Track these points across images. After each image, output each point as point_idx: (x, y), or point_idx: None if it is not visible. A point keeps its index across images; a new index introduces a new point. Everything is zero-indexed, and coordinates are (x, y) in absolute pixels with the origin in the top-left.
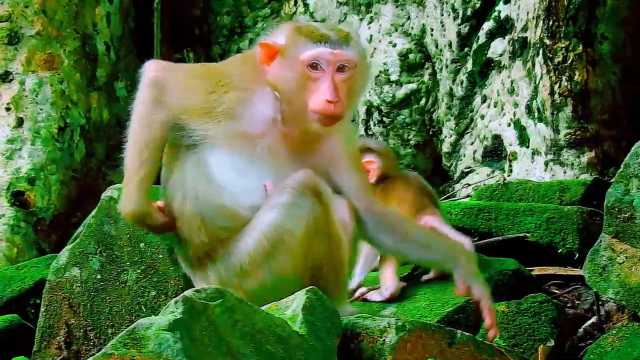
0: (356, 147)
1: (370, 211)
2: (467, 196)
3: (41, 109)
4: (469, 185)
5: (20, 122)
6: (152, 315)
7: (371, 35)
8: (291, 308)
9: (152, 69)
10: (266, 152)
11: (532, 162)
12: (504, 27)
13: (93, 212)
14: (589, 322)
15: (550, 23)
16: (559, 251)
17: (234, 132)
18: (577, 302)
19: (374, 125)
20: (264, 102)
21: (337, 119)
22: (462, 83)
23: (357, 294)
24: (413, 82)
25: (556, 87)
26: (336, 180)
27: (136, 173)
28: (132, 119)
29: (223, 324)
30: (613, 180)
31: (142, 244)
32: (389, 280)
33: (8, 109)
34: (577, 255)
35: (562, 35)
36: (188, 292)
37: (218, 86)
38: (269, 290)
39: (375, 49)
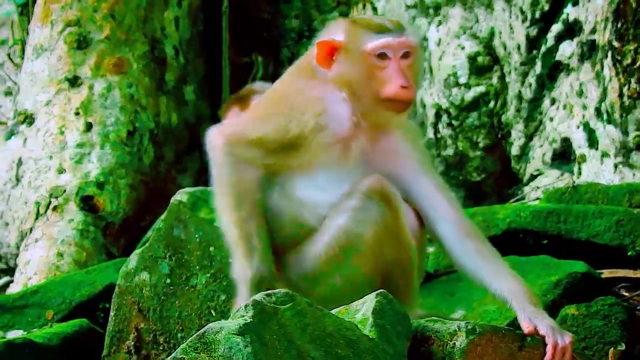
0: (426, 149)
1: (449, 217)
2: (537, 199)
3: (110, 113)
4: (538, 188)
5: (89, 127)
6: (222, 320)
7: (440, 39)
8: (361, 311)
9: (217, 136)
10: (356, 157)
11: (601, 164)
12: (572, 29)
13: (162, 216)
14: None
15: (619, 25)
16: (628, 254)
17: (324, 145)
18: None
19: (443, 128)
20: (338, 103)
21: (409, 103)
22: (530, 86)
23: None
24: (482, 84)
25: (625, 89)
26: (408, 179)
27: (249, 242)
28: (220, 191)
29: (293, 327)
30: None
31: (211, 248)
32: None
33: (77, 114)
34: None
35: (630, 37)
36: (258, 296)
37: (291, 111)
38: (340, 295)
39: (443, 52)
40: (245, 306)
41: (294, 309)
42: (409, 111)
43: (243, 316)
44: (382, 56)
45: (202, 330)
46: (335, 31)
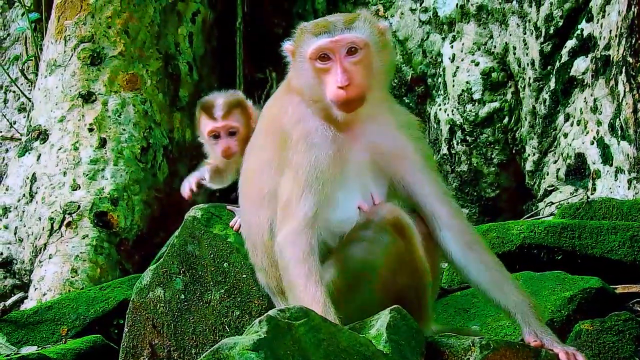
0: (426, 143)
1: (452, 225)
2: (551, 214)
3: (124, 130)
4: (553, 203)
5: (103, 143)
6: (236, 335)
7: (454, 54)
8: (375, 327)
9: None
10: (354, 166)
11: (616, 180)
12: (586, 45)
13: (176, 232)
14: None
15: (633, 41)
16: None
17: (310, 167)
18: None
19: (457, 144)
20: (310, 116)
21: (355, 102)
22: (545, 101)
23: None
24: (496, 100)
25: (639, 105)
26: (410, 182)
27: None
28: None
29: (307, 343)
30: None
31: (225, 264)
32: None
33: (91, 130)
34: None
35: None
36: (272, 312)
37: (282, 140)
38: (352, 319)
39: (457, 67)
40: (260, 322)
41: (308, 324)
42: (358, 106)
43: (257, 332)
44: (325, 58)
45: (216, 346)
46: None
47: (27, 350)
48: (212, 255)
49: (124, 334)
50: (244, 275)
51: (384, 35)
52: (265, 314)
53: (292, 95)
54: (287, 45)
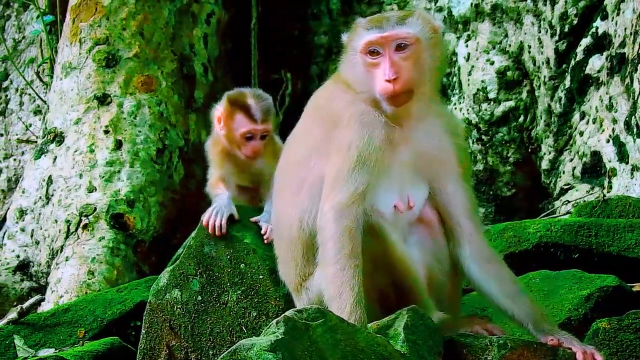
0: (468, 153)
1: (473, 241)
2: (567, 213)
3: (139, 131)
4: (569, 202)
5: (118, 145)
6: (254, 336)
7: (469, 54)
8: (392, 327)
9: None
10: (392, 162)
11: (632, 178)
12: (601, 43)
13: (193, 234)
14: None
15: None
16: None
17: (363, 144)
18: None
19: (473, 143)
20: (361, 101)
21: (402, 95)
22: (560, 100)
23: None
24: (511, 99)
25: None
26: (443, 190)
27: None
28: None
29: (325, 343)
30: None
31: (242, 265)
32: None
33: (107, 132)
34: None
35: None
36: (289, 313)
37: (331, 123)
38: None
39: (472, 66)
40: (277, 322)
41: (326, 325)
42: (406, 100)
43: (274, 332)
44: (374, 53)
45: (233, 347)
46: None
47: (44, 352)
48: (229, 257)
49: (141, 336)
50: (261, 276)
51: (436, 33)
52: (283, 315)
53: (341, 85)
54: (343, 38)
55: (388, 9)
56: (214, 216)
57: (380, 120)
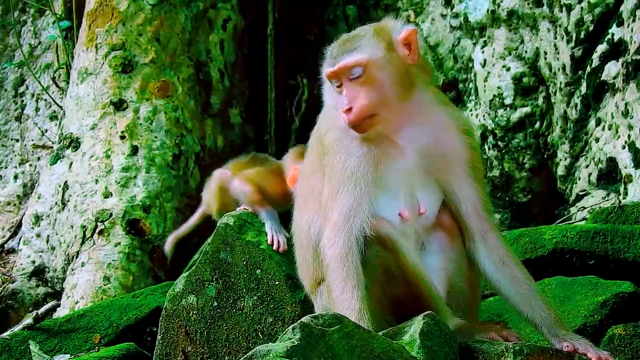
0: (480, 152)
1: (488, 240)
2: (583, 219)
3: (156, 137)
4: (585, 208)
5: (135, 150)
6: (270, 342)
7: (485, 60)
8: (409, 333)
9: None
10: (388, 171)
11: None
12: (617, 49)
13: (209, 239)
14: None
15: None
16: None
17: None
18: None
19: (489, 149)
20: (336, 133)
21: (362, 123)
22: (576, 106)
23: None
24: (527, 105)
25: None
26: (456, 191)
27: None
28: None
29: (341, 349)
30: None
31: (258, 271)
32: None
33: (123, 137)
34: None
35: None
36: (305, 318)
37: (319, 148)
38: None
39: (489, 73)
40: (293, 328)
41: (342, 330)
42: (369, 126)
43: (291, 339)
44: (336, 81)
45: (249, 353)
46: None
47: (60, 358)
48: (244, 262)
49: (156, 342)
50: (277, 282)
51: (384, 48)
52: (299, 321)
53: (328, 108)
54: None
55: (404, 15)
56: (276, 234)
57: (355, 143)
